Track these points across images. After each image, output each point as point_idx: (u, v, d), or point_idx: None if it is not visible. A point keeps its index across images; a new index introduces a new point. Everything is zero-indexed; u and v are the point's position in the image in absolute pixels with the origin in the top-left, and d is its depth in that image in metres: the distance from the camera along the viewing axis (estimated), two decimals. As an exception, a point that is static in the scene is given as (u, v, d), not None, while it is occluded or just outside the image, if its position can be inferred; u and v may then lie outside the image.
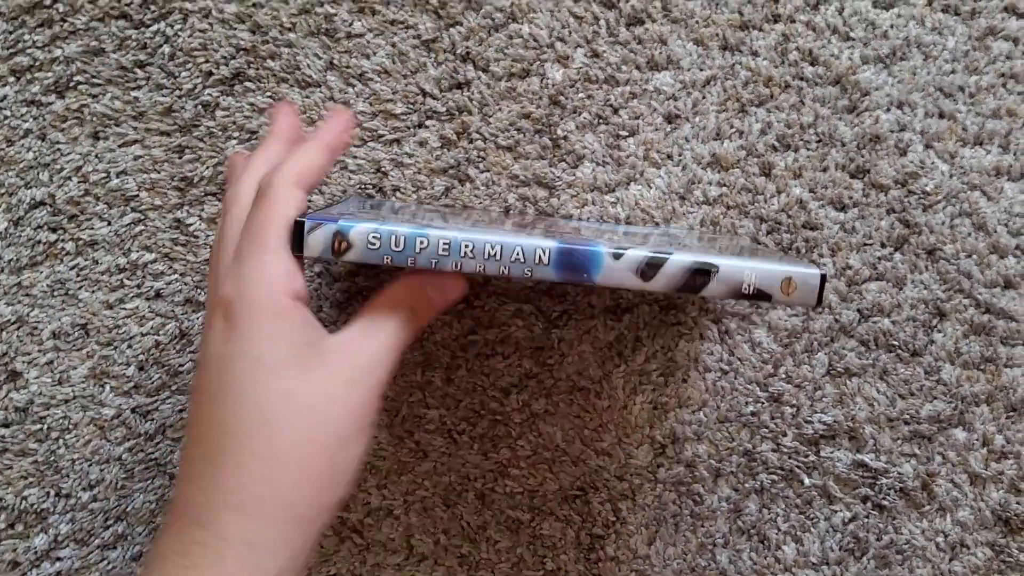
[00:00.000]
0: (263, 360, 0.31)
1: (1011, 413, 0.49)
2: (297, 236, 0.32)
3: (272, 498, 0.30)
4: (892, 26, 0.52)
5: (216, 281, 0.33)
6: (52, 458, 0.48)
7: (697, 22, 0.51)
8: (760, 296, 0.34)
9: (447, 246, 0.33)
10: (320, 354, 0.32)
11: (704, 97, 0.51)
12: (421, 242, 0.33)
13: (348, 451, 0.32)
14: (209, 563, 0.29)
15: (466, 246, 0.33)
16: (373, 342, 0.33)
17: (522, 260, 0.33)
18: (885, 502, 0.48)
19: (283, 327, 0.31)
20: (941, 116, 0.51)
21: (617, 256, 0.34)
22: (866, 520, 0.48)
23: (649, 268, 0.34)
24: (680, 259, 0.34)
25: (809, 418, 0.49)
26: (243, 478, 0.30)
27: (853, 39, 0.51)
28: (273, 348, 0.31)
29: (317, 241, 0.33)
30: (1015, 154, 0.51)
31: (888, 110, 0.51)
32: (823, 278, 0.35)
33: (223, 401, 0.30)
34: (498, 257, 0.33)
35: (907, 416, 0.49)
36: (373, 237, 0.33)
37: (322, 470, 0.31)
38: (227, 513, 0.29)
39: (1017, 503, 0.48)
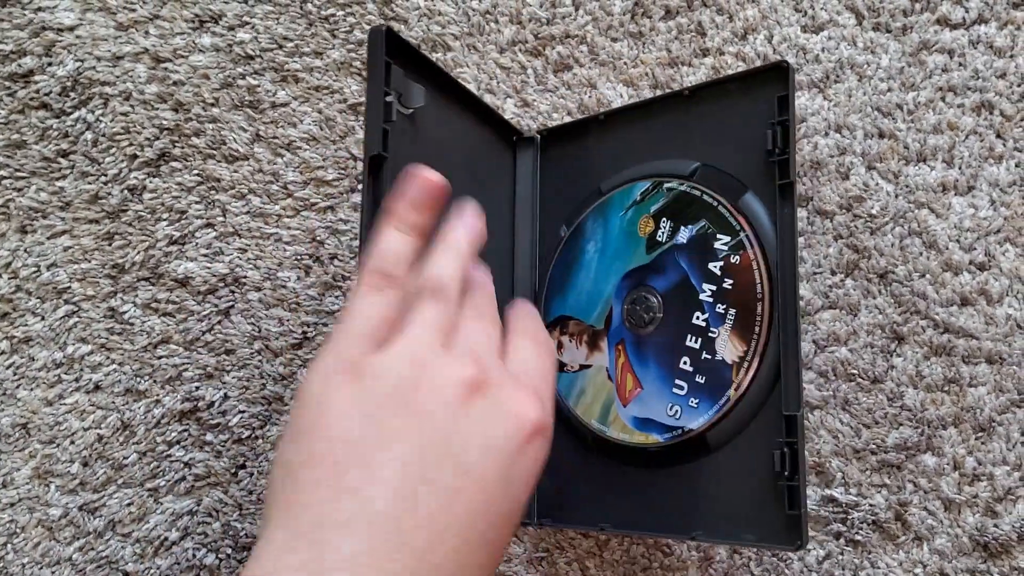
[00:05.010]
0: None
1: (980, 433, 0.48)
2: None
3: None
4: (823, 49, 0.51)
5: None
6: (1, 564, 0.46)
7: (625, 63, 0.50)
8: None
9: None
10: None
11: (639, 137, 0.50)
12: None
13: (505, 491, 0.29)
14: None
15: None
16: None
17: None
18: (859, 536, 0.47)
19: None
20: (881, 136, 0.50)
21: None
22: (841, 557, 0.47)
23: None
24: None
25: (774, 456, 0.48)
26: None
27: (785, 66, 0.51)
28: None
29: None
30: (960, 168, 0.50)
31: (826, 135, 0.50)
32: None
33: None
34: None
35: (873, 446, 0.48)
36: None
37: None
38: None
39: (994, 526, 0.47)
